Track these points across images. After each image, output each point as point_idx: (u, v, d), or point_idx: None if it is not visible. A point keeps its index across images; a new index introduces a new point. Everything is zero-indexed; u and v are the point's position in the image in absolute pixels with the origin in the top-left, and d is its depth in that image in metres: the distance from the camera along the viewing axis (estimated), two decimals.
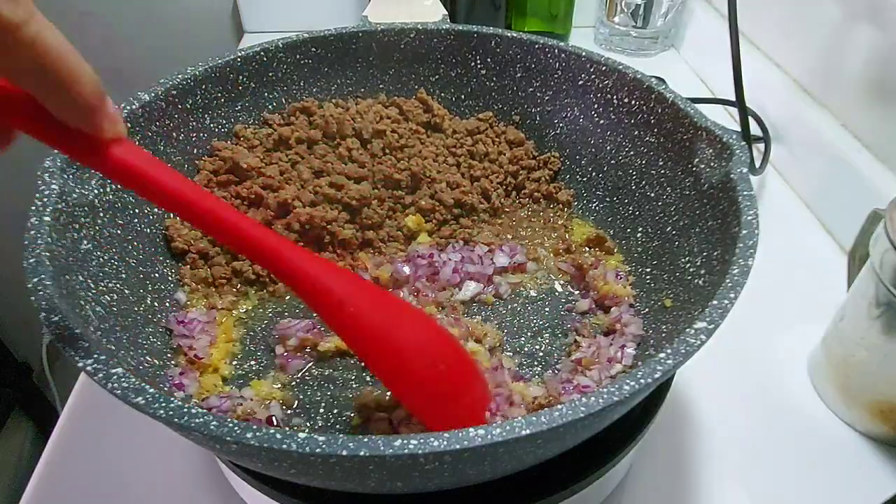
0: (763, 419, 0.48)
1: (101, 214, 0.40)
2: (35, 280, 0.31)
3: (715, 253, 0.39)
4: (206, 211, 0.30)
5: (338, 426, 0.41)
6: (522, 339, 0.47)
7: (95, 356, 0.28)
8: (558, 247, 0.52)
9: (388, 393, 0.41)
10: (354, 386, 0.43)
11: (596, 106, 0.53)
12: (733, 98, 0.65)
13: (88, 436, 0.47)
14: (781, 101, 0.71)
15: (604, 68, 0.51)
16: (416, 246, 0.51)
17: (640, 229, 0.50)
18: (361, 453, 0.24)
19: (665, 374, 0.28)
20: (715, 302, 0.32)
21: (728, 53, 0.62)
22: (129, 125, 0.43)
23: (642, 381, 0.28)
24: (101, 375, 0.27)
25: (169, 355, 0.42)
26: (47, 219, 0.34)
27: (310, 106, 0.55)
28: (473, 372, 0.39)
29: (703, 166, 0.43)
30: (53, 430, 0.47)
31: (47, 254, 0.33)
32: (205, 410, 0.26)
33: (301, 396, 0.42)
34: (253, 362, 0.45)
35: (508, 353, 0.45)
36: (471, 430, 0.25)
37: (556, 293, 0.50)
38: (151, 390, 0.27)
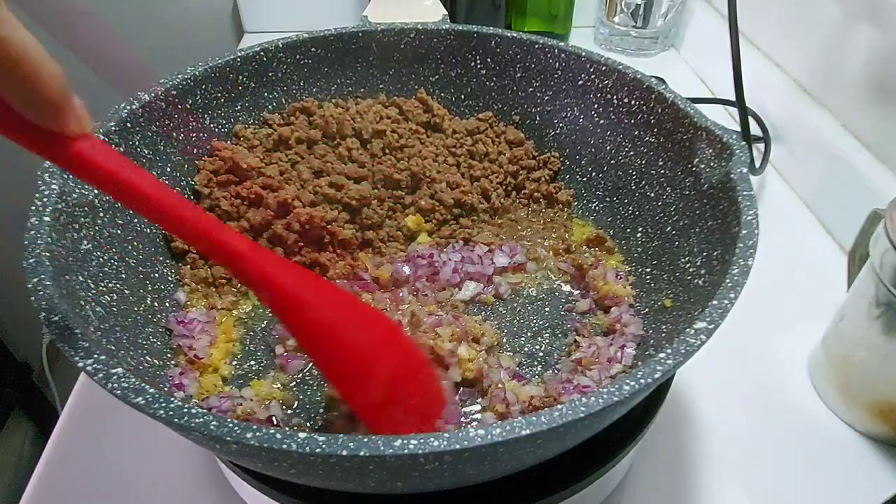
0: (763, 419, 0.48)
1: (101, 214, 0.40)
2: (35, 280, 0.31)
3: (715, 253, 0.39)
4: (168, 207, 0.29)
5: None
6: (522, 339, 0.47)
7: (95, 356, 0.28)
8: (558, 247, 0.52)
9: None
10: None
11: (596, 106, 0.53)
12: (733, 98, 0.65)
13: (88, 436, 0.47)
14: (781, 101, 0.71)
15: (604, 68, 0.51)
16: (416, 246, 0.51)
17: (640, 229, 0.50)
18: (361, 453, 0.24)
19: (665, 374, 0.28)
20: (715, 302, 0.32)
21: (728, 53, 0.62)
22: (129, 125, 0.43)
23: (642, 381, 0.28)
24: (101, 375, 0.27)
25: (169, 355, 0.42)
26: (47, 219, 0.34)
27: (310, 106, 0.55)
28: (427, 379, 0.39)
29: (703, 166, 0.43)
30: (53, 430, 0.47)
31: (47, 254, 0.33)
32: (205, 410, 0.26)
33: (301, 396, 0.42)
34: (253, 362, 0.45)
35: (508, 353, 0.45)
36: (471, 430, 0.25)
37: (556, 293, 0.50)
38: (151, 390, 0.27)
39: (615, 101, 0.51)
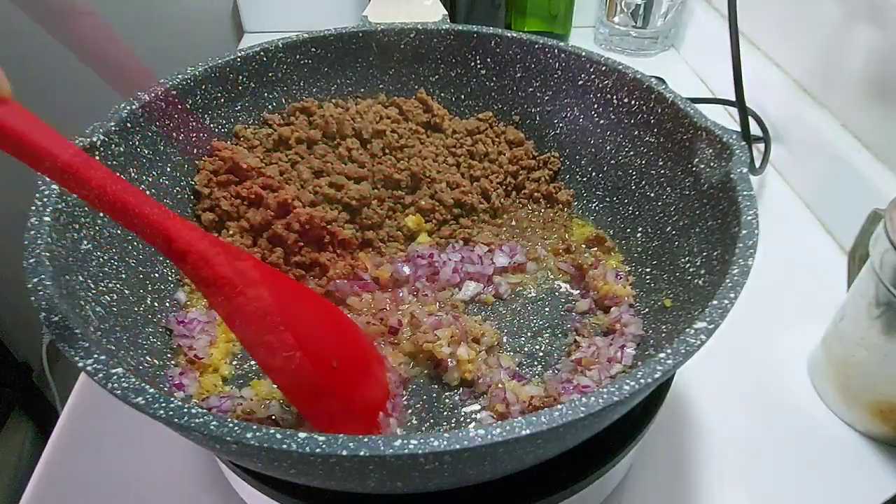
0: (763, 419, 0.48)
1: (102, 214, 0.40)
2: (35, 280, 0.31)
3: (715, 253, 0.39)
4: (89, 178, 0.29)
5: None
6: (522, 339, 0.47)
7: (95, 356, 0.28)
8: (558, 247, 0.52)
9: None
10: None
11: (596, 106, 0.53)
12: (733, 98, 0.65)
13: (88, 436, 0.47)
14: (781, 101, 0.71)
15: (604, 68, 0.51)
16: (416, 246, 0.51)
17: (639, 229, 0.50)
18: (361, 453, 0.24)
19: (665, 374, 0.28)
20: (715, 302, 0.32)
21: (728, 53, 0.62)
22: (129, 125, 0.43)
23: (642, 381, 0.28)
24: (101, 375, 0.27)
25: (169, 355, 0.42)
26: (47, 219, 0.34)
27: (310, 106, 0.55)
28: (370, 371, 0.38)
29: (703, 166, 0.43)
30: (53, 430, 0.47)
31: (47, 254, 0.33)
32: (205, 410, 0.26)
33: None
34: (253, 362, 0.44)
35: (508, 353, 0.45)
36: (471, 430, 0.25)
37: (556, 293, 0.50)
38: (151, 390, 0.27)
39: (615, 101, 0.51)
